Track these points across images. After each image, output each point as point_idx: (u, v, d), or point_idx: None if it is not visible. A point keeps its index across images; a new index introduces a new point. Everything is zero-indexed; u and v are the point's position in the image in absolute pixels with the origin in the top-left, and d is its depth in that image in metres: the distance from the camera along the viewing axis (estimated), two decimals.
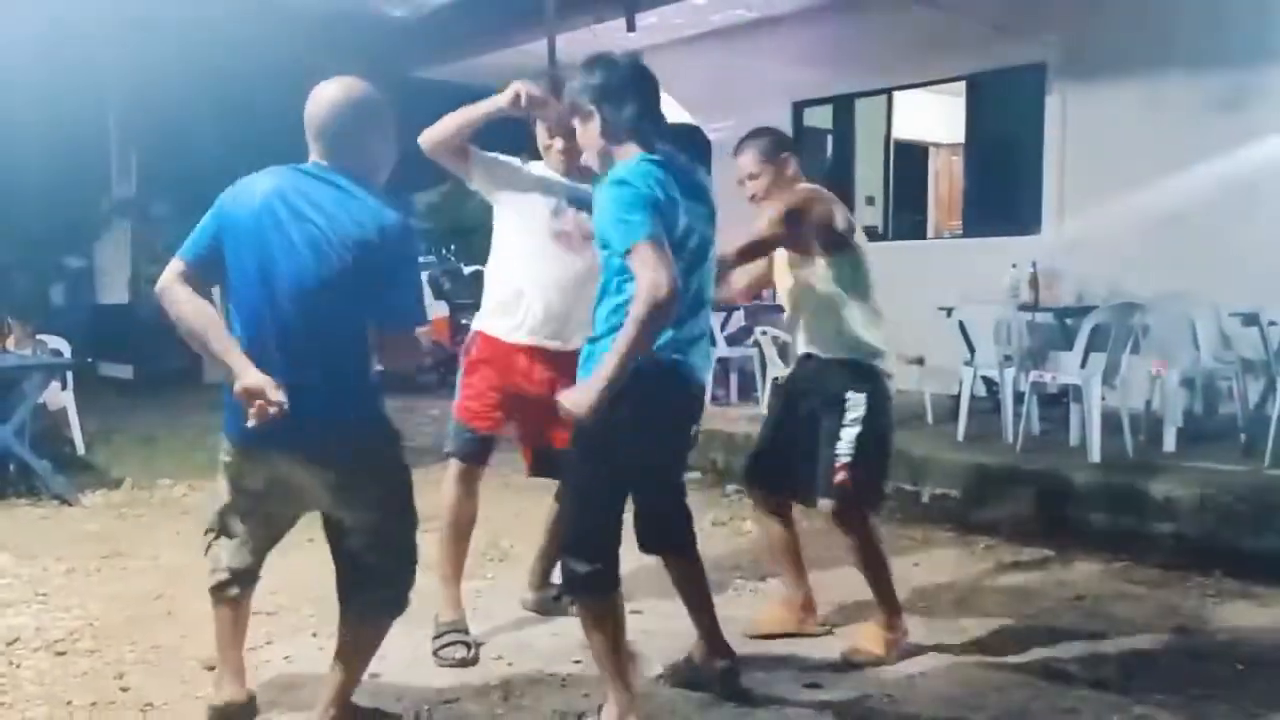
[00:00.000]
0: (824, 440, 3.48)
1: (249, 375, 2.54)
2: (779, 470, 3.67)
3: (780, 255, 3.64)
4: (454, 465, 3.64)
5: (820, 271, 3.48)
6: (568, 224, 3.51)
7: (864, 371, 3.48)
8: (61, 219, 12.19)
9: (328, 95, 2.72)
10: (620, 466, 2.87)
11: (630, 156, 2.83)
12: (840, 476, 3.43)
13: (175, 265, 2.69)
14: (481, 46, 10.28)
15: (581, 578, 2.88)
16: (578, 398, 2.68)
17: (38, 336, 7.03)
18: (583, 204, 3.46)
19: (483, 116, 3.42)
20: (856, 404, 3.43)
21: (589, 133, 2.92)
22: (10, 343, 6.70)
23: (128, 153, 12.07)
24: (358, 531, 2.78)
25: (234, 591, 2.92)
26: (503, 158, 3.59)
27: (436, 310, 10.13)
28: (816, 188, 3.61)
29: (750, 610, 3.90)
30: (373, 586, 2.80)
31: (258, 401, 2.52)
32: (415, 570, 2.90)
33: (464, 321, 9.04)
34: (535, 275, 3.52)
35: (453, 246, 10.39)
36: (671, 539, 3.22)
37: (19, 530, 5.28)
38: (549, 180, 3.56)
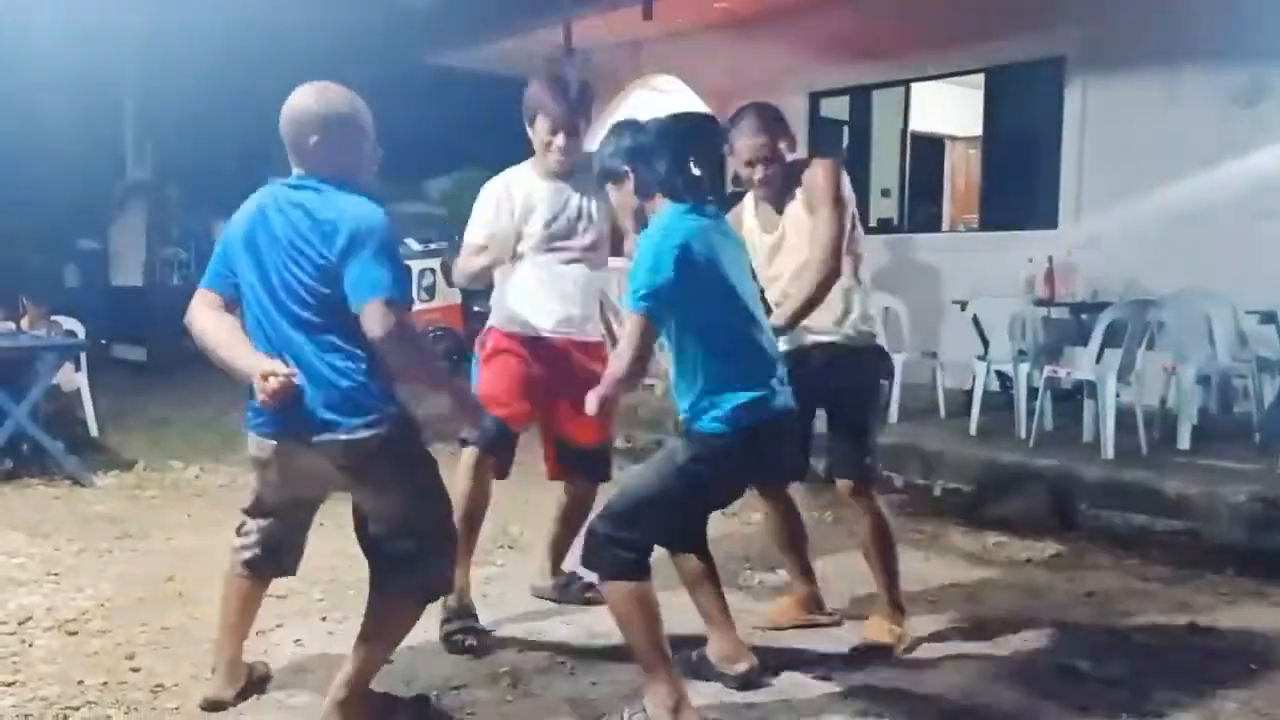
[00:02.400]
0: (847, 424, 3.50)
1: (262, 363, 2.63)
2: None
3: (774, 231, 3.53)
4: (468, 453, 3.53)
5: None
6: (560, 228, 3.56)
7: (881, 354, 3.56)
8: (77, 201, 12.22)
9: (297, 107, 2.72)
10: (708, 503, 3.09)
11: (662, 208, 2.91)
12: (869, 459, 3.52)
13: (197, 295, 2.81)
14: (496, 33, 10.26)
15: (611, 563, 2.85)
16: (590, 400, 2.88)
17: (52, 317, 7.05)
18: (571, 206, 3.56)
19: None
20: (881, 390, 3.56)
21: (625, 195, 3.00)
22: (25, 323, 6.72)
23: (144, 136, 12.09)
24: (377, 519, 2.81)
25: (245, 570, 2.98)
26: (503, 221, 3.55)
27: (449, 296, 10.10)
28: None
29: (760, 601, 3.89)
30: (397, 570, 2.80)
31: (270, 379, 2.58)
32: (446, 556, 2.89)
33: (476, 308, 9.01)
34: (540, 286, 3.57)
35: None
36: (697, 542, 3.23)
37: (32, 510, 5.31)
38: (537, 193, 3.57)
